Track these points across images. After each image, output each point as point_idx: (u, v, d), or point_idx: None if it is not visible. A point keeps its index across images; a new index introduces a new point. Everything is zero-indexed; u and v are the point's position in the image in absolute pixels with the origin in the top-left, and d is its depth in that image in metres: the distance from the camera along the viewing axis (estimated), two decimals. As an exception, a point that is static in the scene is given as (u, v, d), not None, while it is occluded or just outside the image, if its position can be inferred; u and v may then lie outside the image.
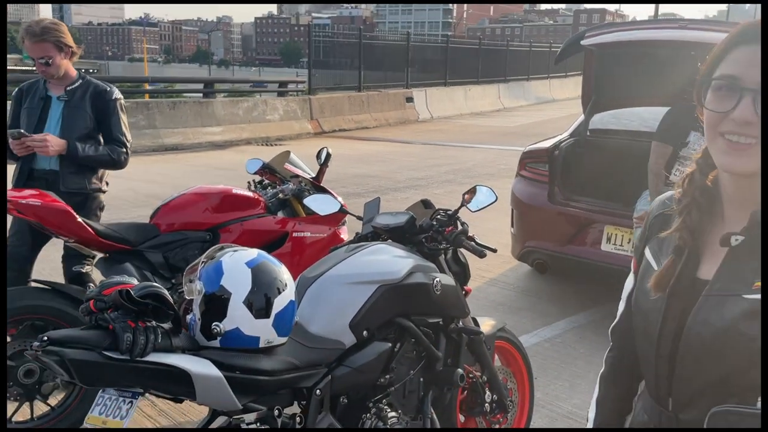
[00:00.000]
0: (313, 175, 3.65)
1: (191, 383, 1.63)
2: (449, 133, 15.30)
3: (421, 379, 2.27)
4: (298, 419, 1.94)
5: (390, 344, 2.14)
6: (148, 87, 17.20)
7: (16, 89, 3.39)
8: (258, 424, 1.83)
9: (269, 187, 3.63)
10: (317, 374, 1.93)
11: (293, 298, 1.85)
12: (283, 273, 1.85)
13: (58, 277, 3.33)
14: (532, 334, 4.28)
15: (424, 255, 2.35)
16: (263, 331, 1.77)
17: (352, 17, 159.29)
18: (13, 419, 2.76)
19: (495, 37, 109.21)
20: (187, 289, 1.79)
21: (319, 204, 2.80)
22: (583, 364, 3.86)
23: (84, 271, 3.26)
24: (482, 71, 21.80)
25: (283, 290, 1.81)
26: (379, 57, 18.28)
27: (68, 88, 3.25)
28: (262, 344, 1.78)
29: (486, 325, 2.65)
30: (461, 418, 2.62)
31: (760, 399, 0.95)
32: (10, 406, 2.80)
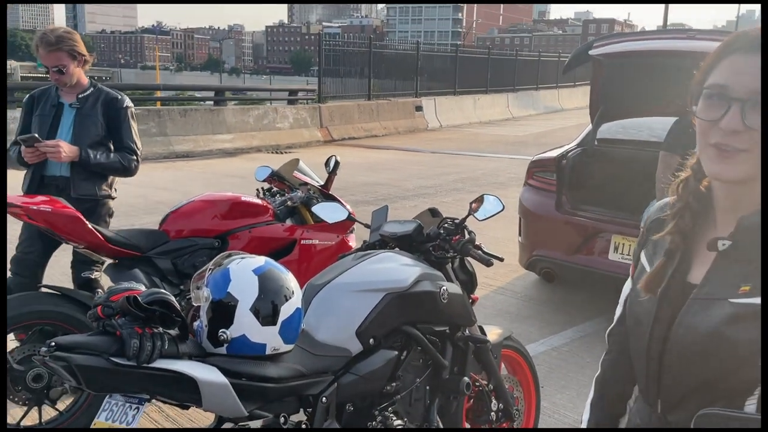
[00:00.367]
0: (322, 183, 3.67)
1: (197, 390, 1.64)
2: (458, 142, 15.30)
3: (428, 387, 2.27)
4: (303, 426, 1.94)
5: (396, 352, 2.14)
6: (159, 94, 17.33)
7: (27, 96, 3.42)
8: None
9: (278, 195, 3.65)
10: (323, 382, 1.93)
11: (300, 306, 1.86)
12: (290, 280, 1.85)
13: (68, 283, 3.36)
14: (539, 343, 4.27)
15: (432, 263, 2.35)
16: (270, 338, 1.77)
17: (363, 26, 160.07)
18: (22, 423, 2.78)
19: (504, 47, 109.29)
20: (195, 296, 1.80)
21: (327, 212, 2.81)
22: (590, 373, 3.79)
23: (93, 276, 3.29)
24: (491, 80, 21.84)
25: (290, 298, 1.81)
26: (389, 66, 18.34)
27: (80, 96, 3.29)
28: (268, 351, 1.78)
29: (493, 333, 2.64)
30: (467, 426, 2.62)
31: (747, 402, 0.97)
32: (19, 411, 2.82)
